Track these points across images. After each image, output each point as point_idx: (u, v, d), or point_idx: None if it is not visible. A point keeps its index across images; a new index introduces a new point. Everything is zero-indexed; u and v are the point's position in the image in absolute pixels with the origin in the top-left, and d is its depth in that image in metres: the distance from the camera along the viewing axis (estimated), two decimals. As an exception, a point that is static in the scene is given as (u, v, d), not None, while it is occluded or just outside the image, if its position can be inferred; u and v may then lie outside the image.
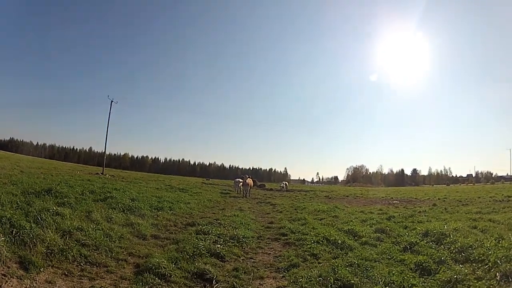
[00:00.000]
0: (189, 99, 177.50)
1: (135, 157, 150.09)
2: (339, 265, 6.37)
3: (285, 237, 9.27)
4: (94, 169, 50.81)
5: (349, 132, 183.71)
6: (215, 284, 5.31)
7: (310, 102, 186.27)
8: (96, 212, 9.09)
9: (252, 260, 7.04)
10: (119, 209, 10.28)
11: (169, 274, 5.41)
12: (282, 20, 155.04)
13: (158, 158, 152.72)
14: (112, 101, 48.78)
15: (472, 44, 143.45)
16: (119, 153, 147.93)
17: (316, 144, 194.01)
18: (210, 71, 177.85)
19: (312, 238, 8.77)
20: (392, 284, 5.59)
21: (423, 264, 6.62)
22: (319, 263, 6.88)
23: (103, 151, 50.67)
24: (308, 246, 8.06)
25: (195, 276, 5.58)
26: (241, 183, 25.49)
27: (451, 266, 6.63)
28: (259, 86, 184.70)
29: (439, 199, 27.54)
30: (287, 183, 45.82)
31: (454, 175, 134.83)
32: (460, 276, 5.88)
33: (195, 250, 6.87)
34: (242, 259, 7.01)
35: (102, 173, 37.94)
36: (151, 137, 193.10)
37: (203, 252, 6.84)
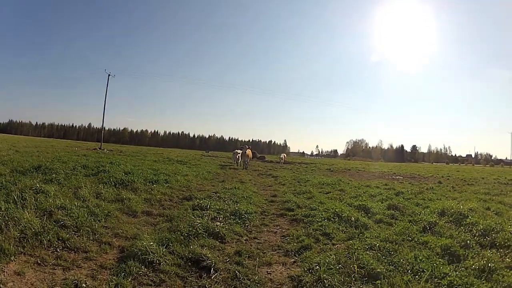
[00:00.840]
0: (189, 68, 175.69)
1: (134, 131, 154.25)
2: (358, 247, 5.51)
3: (292, 213, 8.43)
4: (93, 144, 50.54)
5: (350, 106, 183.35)
6: (214, 274, 4.39)
7: (311, 74, 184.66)
8: (84, 188, 8.28)
9: (257, 241, 6.16)
10: (110, 184, 9.53)
11: (158, 261, 4.50)
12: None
13: (157, 131, 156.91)
14: (109, 75, 48.04)
15: (482, 24, 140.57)
16: (118, 128, 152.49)
17: (316, 117, 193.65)
18: (208, 33, 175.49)
19: (322, 214, 7.91)
20: (422, 273, 4.72)
21: (450, 249, 5.75)
22: (333, 244, 6.01)
23: (100, 125, 50.10)
24: (319, 223, 7.19)
25: (189, 263, 4.67)
26: (239, 154, 24.69)
27: (478, 251, 5.79)
28: (260, 56, 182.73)
29: (442, 177, 26.97)
30: (285, 155, 45.34)
31: (454, 155, 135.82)
32: (492, 265, 5.03)
33: (190, 229, 5.98)
34: (245, 240, 6.12)
35: (100, 148, 38.06)
36: (150, 110, 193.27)
37: (200, 231, 5.94)
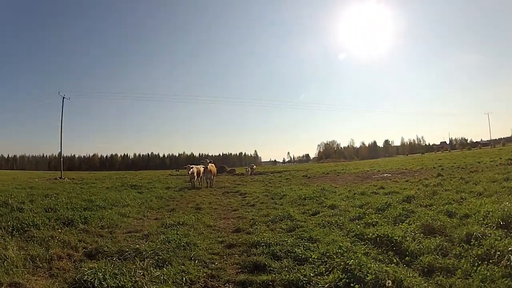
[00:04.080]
0: (155, 86, 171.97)
1: (104, 156, 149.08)
2: None
3: (263, 277, 4.53)
4: (58, 174, 45.82)
5: (317, 108, 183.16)
6: None
7: (274, 79, 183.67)
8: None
9: None
10: (7, 230, 6.71)
11: None
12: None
13: (127, 155, 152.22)
14: (63, 97, 43.09)
15: (444, 9, 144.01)
16: (88, 155, 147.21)
17: (285, 123, 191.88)
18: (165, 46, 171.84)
19: (324, 278, 4.25)
20: None
21: None
22: None
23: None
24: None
25: None
26: (192, 170, 20.13)
27: None
28: (223, 66, 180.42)
29: (434, 167, 25.22)
30: (254, 165, 42.29)
31: (428, 144, 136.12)
32: None
33: None
34: None
35: (60, 177, 34.87)
36: (120, 134, 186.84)
37: None
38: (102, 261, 4.95)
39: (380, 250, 5.11)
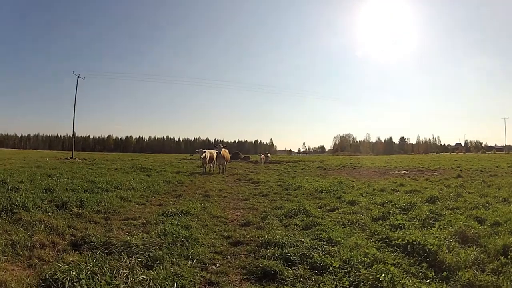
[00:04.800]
0: (171, 67, 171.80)
1: (119, 138, 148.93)
2: None
3: (271, 287, 3.75)
4: (69, 154, 46.04)
5: (336, 101, 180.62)
6: None
7: (295, 70, 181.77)
8: None
9: None
10: None
11: None
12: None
13: (142, 137, 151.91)
14: (78, 77, 42.05)
15: (465, 13, 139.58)
16: (103, 136, 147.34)
17: (301, 114, 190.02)
18: (190, 30, 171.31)
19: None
20: None
21: None
22: None
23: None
24: None
25: None
26: (205, 154, 19.30)
27: None
28: (243, 53, 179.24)
29: (452, 168, 24.30)
30: (268, 153, 41.41)
31: (443, 144, 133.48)
32: None
33: None
34: None
35: (71, 157, 35.35)
36: (135, 115, 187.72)
37: None
38: (85, 254, 4.24)
39: (412, 261, 4.24)
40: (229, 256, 4.69)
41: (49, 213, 6.46)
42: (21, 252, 4.45)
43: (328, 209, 7.98)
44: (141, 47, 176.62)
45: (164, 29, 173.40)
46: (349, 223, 6.36)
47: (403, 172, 22.02)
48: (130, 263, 3.92)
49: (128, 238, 4.79)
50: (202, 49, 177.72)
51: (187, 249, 4.56)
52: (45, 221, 5.71)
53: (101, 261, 3.95)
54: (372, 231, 5.63)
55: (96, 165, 22.69)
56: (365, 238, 5.29)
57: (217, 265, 4.32)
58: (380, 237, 5.25)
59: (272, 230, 5.75)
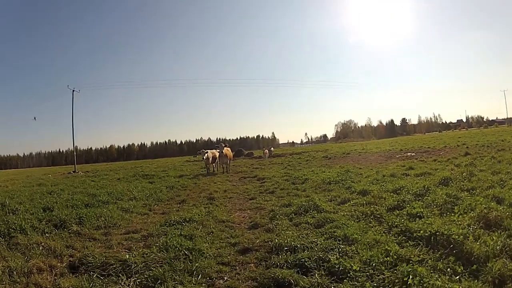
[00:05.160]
0: (166, 71, 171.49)
1: (121, 146, 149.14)
2: None
3: None
4: (72, 168, 45.98)
5: (334, 88, 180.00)
6: None
7: (291, 60, 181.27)
8: None
9: None
10: None
11: None
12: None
13: (144, 143, 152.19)
14: (73, 91, 42.66)
15: None
16: (105, 146, 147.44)
17: (301, 104, 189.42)
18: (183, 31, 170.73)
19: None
20: None
21: None
22: None
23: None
24: None
25: None
26: (207, 154, 18.90)
27: None
28: (237, 49, 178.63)
29: (459, 146, 24.14)
30: (271, 147, 41.17)
31: (445, 122, 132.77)
32: None
33: None
34: None
35: (74, 171, 34.74)
36: (135, 123, 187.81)
37: None
38: (81, 278, 3.89)
39: (437, 255, 3.85)
40: (237, 267, 4.32)
41: (46, 234, 6.17)
42: (18, 279, 4.17)
43: (339, 202, 7.59)
44: (135, 54, 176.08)
45: (158, 34, 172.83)
46: (364, 215, 5.97)
47: (409, 154, 21.68)
48: (128, 285, 3.56)
49: (127, 256, 4.42)
50: (197, 50, 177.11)
51: (191, 263, 4.18)
52: (43, 243, 5.42)
53: (98, 284, 3.61)
54: (390, 223, 5.26)
55: (99, 176, 22.48)
56: (384, 232, 4.92)
57: (225, 278, 3.95)
58: (399, 229, 4.87)
59: (282, 232, 5.37)
